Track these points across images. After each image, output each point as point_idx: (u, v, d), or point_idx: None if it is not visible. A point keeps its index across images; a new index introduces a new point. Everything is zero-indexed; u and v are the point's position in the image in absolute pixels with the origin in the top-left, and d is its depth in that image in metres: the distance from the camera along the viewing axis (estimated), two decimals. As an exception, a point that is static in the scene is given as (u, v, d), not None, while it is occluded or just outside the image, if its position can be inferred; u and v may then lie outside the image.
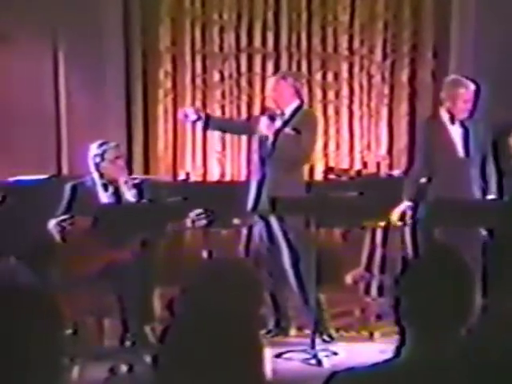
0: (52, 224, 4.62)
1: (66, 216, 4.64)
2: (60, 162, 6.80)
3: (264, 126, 5.04)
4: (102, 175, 4.84)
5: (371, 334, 5.08)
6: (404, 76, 7.09)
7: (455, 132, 5.13)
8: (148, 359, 4.20)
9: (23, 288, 1.68)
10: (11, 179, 6.10)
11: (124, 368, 4.27)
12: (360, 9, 7.00)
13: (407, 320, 1.84)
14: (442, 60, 6.97)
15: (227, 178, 7.14)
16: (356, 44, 7.07)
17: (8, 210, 4.79)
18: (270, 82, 5.29)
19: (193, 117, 5.32)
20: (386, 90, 7.10)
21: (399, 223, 5.08)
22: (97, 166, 4.84)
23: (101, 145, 4.86)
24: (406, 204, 5.02)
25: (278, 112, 5.09)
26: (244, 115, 7.02)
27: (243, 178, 7.01)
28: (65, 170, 6.78)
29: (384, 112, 7.12)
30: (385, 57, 7.08)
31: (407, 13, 7.03)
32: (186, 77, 7.05)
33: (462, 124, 5.12)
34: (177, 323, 1.86)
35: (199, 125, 5.49)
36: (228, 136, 7.04)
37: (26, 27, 6.53)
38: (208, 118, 5.43)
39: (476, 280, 1.91)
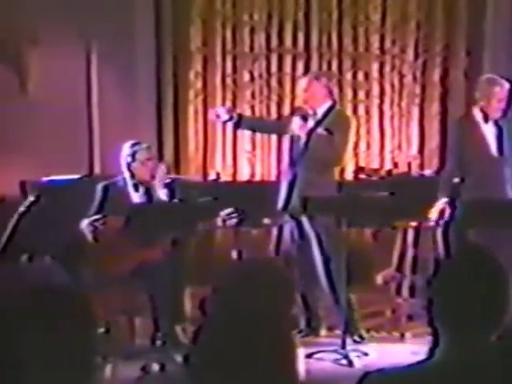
0: (84, 224, 4.66)
1: (98, 216, 4.67)
2: (92, 162, 6.86)
3: (296, 126, 5.02)
4: (133, 175, 4.87)
5: (402, 335, 5.05)
6: (436, 75, 7.04)
7: (489, 131, 5.08)
8: (179, 359, 4.22)
9: (57, 287, 1.70)
10: (45, 179, 6.16)
11: (156, 367, 4.30)
12: (391, 8, 6.96)
13: (440, 321, 1.82)
14: (474, 59, 6.91)
15: (257, 177, 7.15)
16: (387, 43, 7.03)
17: (42, 210, 4.84)
18: (303, 82, 5.28)
19: (224, 116, 5.31)
20: (418, 90, 7.06)
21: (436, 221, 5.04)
22: (128, 166, 4.87)
23: (133, 145, 4.89)
24: (443, 201, 4.98)
25: (310, 112, 5.08)
26: (274, 115, 7.03)
27: (273, 177, 7.02)
28: (97, 170, 6.84)
29: (415, 112, 7.08)
30: (416, 56, 7.03)
31: (440, 12, 6.98)
32: (216, 77, 7.07)
33: (496, 123, 5.07)
34: (209, 323, 1.86)
35: (230, 124, 5.49)
36: (258, 136, 7.05)
37: (59, 30, 6.59)
38: (240, 117, 5.43)
39: (509, 281, 1.89)
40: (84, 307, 1.62)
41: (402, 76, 7.06)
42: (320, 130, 5.01)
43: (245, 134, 7.05)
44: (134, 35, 6.78)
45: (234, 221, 4.67)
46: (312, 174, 4.92)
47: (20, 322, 1.55)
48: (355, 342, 4.87)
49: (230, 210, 4.66)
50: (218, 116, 5.35)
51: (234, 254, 4.99)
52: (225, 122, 5.48)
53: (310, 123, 5.05)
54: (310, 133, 5.02)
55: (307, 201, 4.76)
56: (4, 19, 6.56)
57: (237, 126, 5.46)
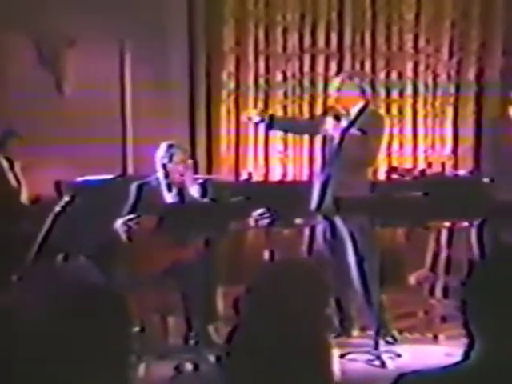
0: (118, 224, 4.69)
1: (131, 216, 4.70)
2: (126, 162, 6.91)
3: (330, 126, 5.00)
4: (166, 175, 4.90)
5: (436, 337, 5.01)
6: (471, 74, 6.97)
7: None
8: (212, 358, 4.23)
9: (93, 286, 1.71)
10: (79, 179, 6.22)
11: (189, 366, 4.31)
12: (426, 7, 6.91)
13: (474, 323, 1.80)
14: (510, 58, 6.84)
15: (289, 177, 7.15)
16: (421, 42, 6.98)
17: (76, 210, 4.89)
18: (336, 82, 5.26)
19: (256, 119, 5.32)
20: (452, 89, 7.00)
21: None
22: (163, 166, 4.90)
23: (170, 147, 4.92)
24: None
25: (343, 112, 5.05)
26: (306, 116, 7.02)
27: (305, 177, 7.01)
28: (130, 170, 6.88)
29: (449, 111, 7.02)
30: (451, 55, 6.97)
31: (476, 10, 6.92)
32: (249, 77, 7.08)
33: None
34: (243, 323, 1.86)
35: (263, 126, 5.50)
36: (290, 136, 7.04)
37: (93, 30, 6.65)
38: (271, 118, 5.43)
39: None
40: (120, 306, 1.63)
41: (436, 75, 7.01)
42: (353, 130, 4.98)
43: (277, 134, 7.05)
44: (168, 35, 6.82)
45: (266, 221, 4.67)
46: (345, 174, 4.89)
47: (56, 321, 1.57)
48: (388, 343, 4.85)
49: (262, 210, 4.67)
50: (249, 118, 5.36)
51: (266, 254, 4.99)
52: (257, 124, 5.49)
53: (343, 123, 5.03)
54: (343, 133, 5.00)
55: (340, 201, 4.75)
56: (41, 21, 6.63)
57: (269, 127, 5.46)
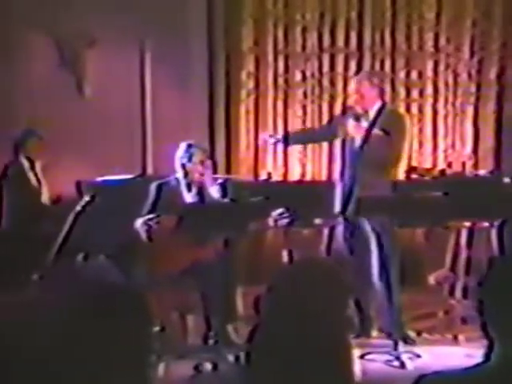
0: (139, 223, 4.70)
1: (152, 215, 4.72)
2: (145, 162, 6.93)
3: (351, 127, 4.97)
4: (186, 175, 4.91)
5: (455, 338, 4.98)
6: (492, 74, 6.92)
7: None
8: (231, 358, 4.23)
9: (112, 286, 1.72)
10: (99, 179, 6.25)
11: (208, 366, 4.31)
12: (447, 6, 6.87)
13: (491, 324, 1.79)
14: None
15: (308, 177, 7.14)
16: (442, 41, 6.95)
17: (96, 210, 4.91)
18: (354, 81, 5.24)
19: (272, 141, 5.46)
20: (473, 89, 6.96)
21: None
22: (183, 166, 4.90)
23: (190, 146, 4.92)
24: None
25: (362, 112, 5.03)
26: (326, 115, 7.00)
27: (324, 177, 7.00)
28: (150, 170, 6.91)
29: (470, 111, 6.98)
30: (472, 54, 6.93)
31: (498, 9, 6.87)
32: (268, 77, 7.08)
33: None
34: (263, 323, 1.86)
35: (280, 146, 5.71)
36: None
37: (113, 30, 6.68)
38: (286, 137, 5.55)
39: None
40: (140, 305, 1.63)
41: (456, 74, 6.97)
42: (376, 131, 4.95)
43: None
44: (187, 36, 6.84)
45: (286, 221, 4.66)
46: (368, 174, 4.84)
47: (76, 320, 1.57)
48: (407, 343, 4.82)
49: (281, 210, 4.66)
50: (265, 141, 5.56)
51: (285, 254, 4.99)
52: (275, 145, 5.68)
53: (364, 124, 4.99)
54: (366, 133, 4.96)
55: (361, 201, 4.73)
56: (62, 21, 6.67)
57: (286, 144, 5.66)
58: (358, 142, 4.95)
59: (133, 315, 1.61)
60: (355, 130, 4.93)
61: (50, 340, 1.54)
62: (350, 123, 4.95)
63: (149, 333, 1.64)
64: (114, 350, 1.55)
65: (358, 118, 4.98)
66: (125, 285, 1.72)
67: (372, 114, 5.02)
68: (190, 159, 4.87)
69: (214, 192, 4.88)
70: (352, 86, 5.19)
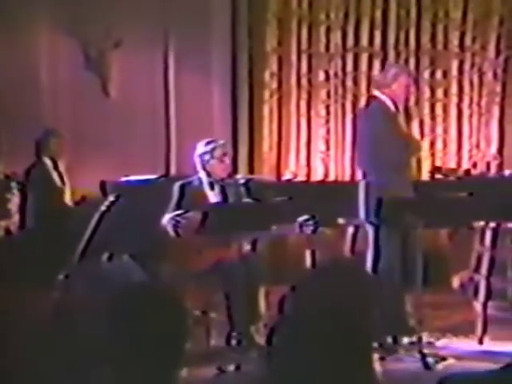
0: (166, 219, 4.70)
1: (180, 211, 4.72)
2: (169, 162, 6.96)
3: None
4: (208, 174, 4.90)
5: (480, 339, 4.94)
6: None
7: None
8: (254, 358, 4.23)
9: (137, 285, 1.72)
10: (124, 179, 6.28)
11: (231, 367, 4.31)
12: (473, 4, 6.82)
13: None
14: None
15: (331, 177, 7.13)
16: (467, 41, 6.90)
17: (121, 210, 4.93)
18: (406, 72, 5.11)
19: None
20: (498, 88, 6.90)
21: None
22: (204, 164, 4.89)
23: (209, 142, 4.91)
24: None
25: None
26: (349, 115, 6.99)
27: (347, 177, 6.98)
28: (173, 170, 6.93)
29: (495, 110, 6.93)
30: (498, 53, 6.88)
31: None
32: (291, 77, 7.08)
33: None
34: (287, 323, 1.86)
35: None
36: (332, 136, 7.03)
37: (139, 32, 6.71)
38: None
39: None
40: (174, 303, 1.63)
41: (481, 74, 6.92)
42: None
43: (319, 135, 7.03)
44: (211, 35, 6.85)
45: (311, 228, 4.63)
46: (384, 177, 4.79)
47: (102, 319, 1.58)
48: (431, 344, 4.78)
49: (307, 216, 4.62)
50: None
51: (308, 254, 4.97)
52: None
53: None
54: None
55: (382, 202, 4.70)
56: (87, 21, 6.71)
57: None
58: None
59: (166, 313, 1.61)
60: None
61: (76, 339, 1.55)
62: None
63: (182, 331, 1.63)
64: (143, 349, 1.56)
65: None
66: (151, 284, 1.73)
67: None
68: (212, 155, 4.85)
69: (237, 189, 4.87)
70: (404, 77, 4.89)
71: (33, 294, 1.70)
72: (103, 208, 4.76)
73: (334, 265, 1.94)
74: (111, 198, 4.83)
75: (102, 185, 6.14)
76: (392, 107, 4.83)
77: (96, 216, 4.71)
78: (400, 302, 4.79)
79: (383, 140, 4.85)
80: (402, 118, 4.83)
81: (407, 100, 4.88)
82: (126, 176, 6.29)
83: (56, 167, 6.38)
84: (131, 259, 4.33)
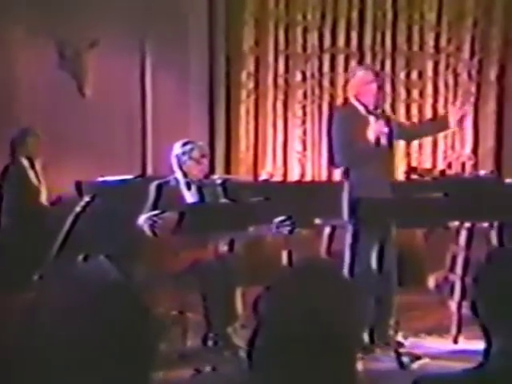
0: (143, 219, 4.68)
1: (156, 211, 4.70)
2: (145, 162, 6.93)
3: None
4: (185, 174, 4.90)
5: (455, 338, 4.98)
6: (492, 74, 6.93)
7: None
8: (231, 359, 4.23)
9: (112, 286, 1.71)
10: (99, 180, 6.25)
11: (208, 368, 4.31)
12: (448, 6, 6.88)
13: (487, 324, 1.79)
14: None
15: (308, 178, 7.14)
16: (443, 42, 6.95)
17: (96, 210, 4.91)
18: (372, 72, 5.11)
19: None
20: (473, 89, 6.96)
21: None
22: (181, 164, 4.88)
23: (187, 143, 4.91)
24: None
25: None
26: (325, 115, 7.01)
27: (324, 178, 7.01)
28: (149, 171, 6.91)
29: (470, 111, 6.98)
30: (472, 54, 6.94)
31: (499, 8, 6.88)
32: (268, 77, 7.08)
33: None
34: (263, 324, 1.86)
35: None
36: (308, 136, 7.05)
37: (115, 32, 6.68)
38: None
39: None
40: (140, 305, 1.63)
41: (456, 75, 6.98)
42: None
43: (295, 135, 7.05)
44: (188, 36, 6.84)
45: (287, 229, 4.64)
46: (356, 176, 4.80)
47: (75, 320, 1.57)
48: (401, 345, 4.78)
49: (283, 217, 4.63)
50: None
51: (285, 254, 4.98)
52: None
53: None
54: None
55: (360, 202, 4.71)
56: (64, 21, 6.67)
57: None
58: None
59: (132, 316, 1.60)
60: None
61: (49, 340, 1.54)
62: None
63: (148, 334, 1.63)
64: (113, 350, 1.55)
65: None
66: (124, 285, 1.71)
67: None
68: (189, 156, 4.84)
69: (213, 190, 4.87)
70: (370, 75, 4.92)
71: (6, 295, 1.69)
72: (78, 208, 4.74)
73: (308, 265, 1.94)
74: (87, 199, 4.81)
75: (78, 185, 6.10)
76: (362, 110, 4.85)
77: (71, 216, 4.69)
78: (378, 304, 4.81)
79: (351, 142, 4.84)
80: (373, 119, 4.83)
81: (377, 100, 4.87)
82: (103, 176, 6.26)
83: (32, 167, 6.33)
84: (107, 260, 4.32)
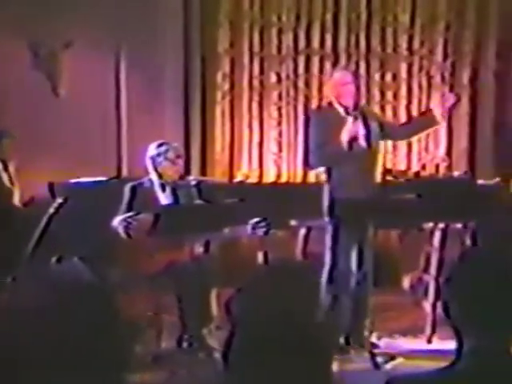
0: (117, 221, 4.67)
1: (131, 213, 4.69)
2: (120, 164, 6.90)
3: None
4: (160, 176, 4.89)
5: (429, 338, 5.01)
6: (465, 76, 6.99)
7: None
8: (205, 361, 4.22)
9: (86, 288, 1.71)
10: (73, 181, 6.21)
11: (183, 369, 4.30)
12: (420, 9, 6.93)
13: (459, 324, 1.80)
14: (505, 60, 6.86)
15: (283, 179, 7.15)
16: (416, 44, 7.00)
17: (70, 212, 4.88)
18: (347, 72, 5.14)
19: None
20: (446, 91, 7.01)
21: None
22: (156, 166, 4.87)
23: (162, 144, 4.90)
24: None
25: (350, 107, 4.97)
26: (301, 116, 7.02)
27: (299, 179, 7.02)
28: (124, 172, 6.88)
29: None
30: (445, 57, 7.00)
31: (471, 12, 6.94)
32: (243, 79, 7.09)
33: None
34: (237, 325, 1.86)
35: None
36: (284, 138, 7.06)
37: (89, 33, 6.64)
38: None
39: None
40: (113, 307, 1.62)
41: (430, 77, 7.03)
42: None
43: (271, 136, 7.06)
44: (163, 37, 6.82)
45: (263, 230, 4.64)
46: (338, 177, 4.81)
47: (49, 322, 1.56)
48: (376, 346, 4.80)
49: (258, 219, 4.63)
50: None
51: (260, 256, 4.99)
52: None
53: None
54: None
55: (335, 203, 4.73)
56: (38, 21, 6.62)
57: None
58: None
59: (106, 317, 1.60)
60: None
61: (22, 341, 1.53)
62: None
63: (121, 335, 1.62)
64: (85, 353, 1.54)
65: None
66: (98, 287, 1.71)
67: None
68: (164, 157, 4.83)
69: (187, 191, 4.86)
70: (348, 76, 4.95)
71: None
72: (52, 210, 4.71)
73: (280, 266, 1.95)
74: (60, 200, 4.78)
75: (50, 186, 6.06)
76: (342, 111, 4.86)
77: (44, 218, 4.66)
78: (355, 305, 4.83)
79: (324, 143, 4.84)
80: (351, 120, 4.84)
81: (356, 101, 4.88)
82: (77, 178, 6.22)
83: (6, 169, 6.28)
84: (81, 261, 4.29)
